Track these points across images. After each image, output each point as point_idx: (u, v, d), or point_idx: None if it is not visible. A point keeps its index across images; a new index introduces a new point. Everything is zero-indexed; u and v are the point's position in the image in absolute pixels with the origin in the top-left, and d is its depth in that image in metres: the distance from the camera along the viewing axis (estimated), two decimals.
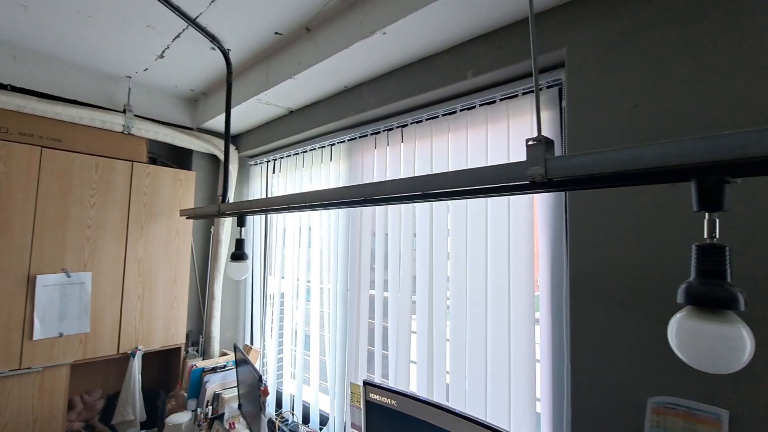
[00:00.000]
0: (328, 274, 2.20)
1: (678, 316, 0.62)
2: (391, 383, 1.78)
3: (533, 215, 1.40)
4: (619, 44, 1.14)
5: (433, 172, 1.51)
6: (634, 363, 1.05)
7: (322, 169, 2.29)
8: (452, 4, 1.28)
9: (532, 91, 1.41)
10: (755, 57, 0.94)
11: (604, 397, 1.10)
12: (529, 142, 0.80)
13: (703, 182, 0.61)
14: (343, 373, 2.03)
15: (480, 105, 1.57)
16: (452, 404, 1.47)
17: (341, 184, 2.13)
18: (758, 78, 0.93)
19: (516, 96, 1.46)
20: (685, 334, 0.60)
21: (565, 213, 1.27)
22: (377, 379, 1.85)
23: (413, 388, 1.71)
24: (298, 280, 2.46)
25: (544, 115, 1.39)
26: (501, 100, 1.50)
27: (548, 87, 1.38)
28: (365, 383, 1.45)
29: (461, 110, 1.62)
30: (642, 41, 1.10)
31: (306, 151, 2.41)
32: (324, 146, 2.27)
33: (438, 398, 1.59)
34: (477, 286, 1.52)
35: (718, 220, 0.61)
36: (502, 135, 1.49)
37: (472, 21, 1.38)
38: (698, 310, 0.60)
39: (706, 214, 0.62)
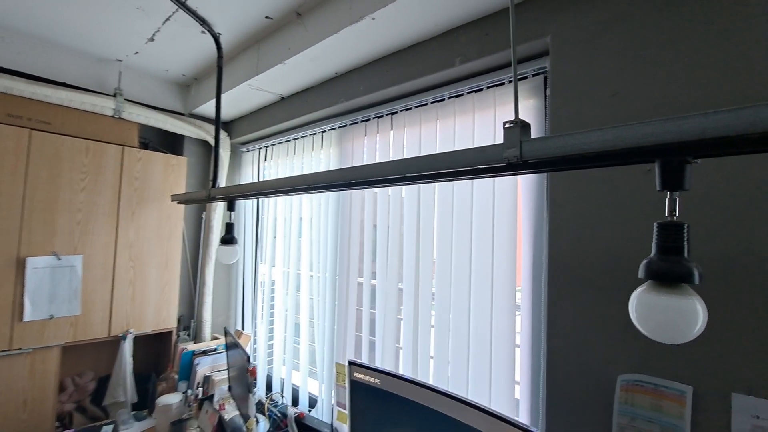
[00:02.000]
0: (317, 263, 2.23)
1: (638, 290, 0.65)
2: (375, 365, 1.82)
3: (517, 204, 1.43)
4: (602, 33, 1.16)
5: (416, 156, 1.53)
6: (606, 343, 1.09)
7: (313, 156, 2.30)
8: None
9: (519, 79, 1.43)
10: (734, 47, 0.96)
11: (577, 376, 1.14)
12: (506, 125, 0.82)
13: (666, 162, 0.64)
14: (331, 359, 2.06)
15: (468, 92, 1.58)
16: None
17: None
18: (736, 66, 0.95)
19: (503, 84, 1.48)
20: (643, 307, 0.63)
21: (546, 199, 1.30)
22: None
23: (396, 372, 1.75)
24: (288, 268, 2.48)
25: (529, 102, 1.41)
26: (488, 87, 1.52)
27: (534, 75, 1.40)
28: (350, 363, 1.49)
29: (449, 98, 1.64)
30: (624, 30, 1.12)
31: (297, 138, 2.42)
32: (315, 133, 2.28)
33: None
34: (461, 273, 1.55)
35: (678, 199, 0.64)
36: (489, 122, 1.51)
37: (460, 7, 1.39)
38: (656, 284, 0.63)
39: (668, 193, 0.64)
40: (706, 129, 0.58)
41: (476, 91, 1.56)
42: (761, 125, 0.53)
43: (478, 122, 1.54)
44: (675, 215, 0.64)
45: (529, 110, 1.40)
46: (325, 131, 2.22)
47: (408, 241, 1.75)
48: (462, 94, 1.60)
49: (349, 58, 1.81)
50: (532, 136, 0.82)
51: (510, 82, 1.46)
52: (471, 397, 1.46)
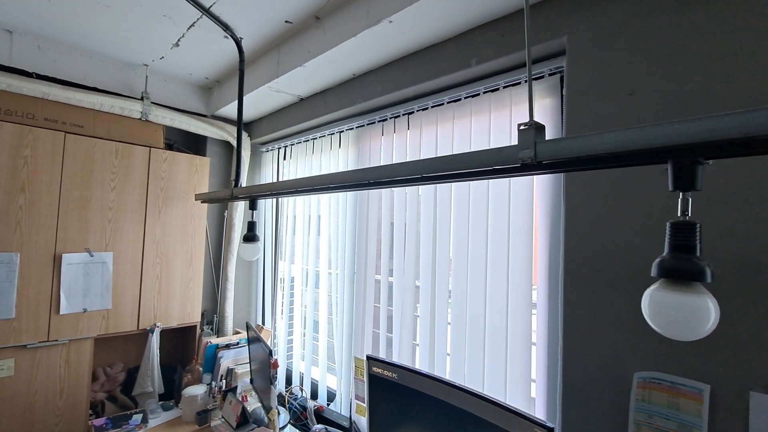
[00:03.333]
0: (335, 260, 2.28)
1: (651, 288, 0.67)
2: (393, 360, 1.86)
3: (534, 202, 1.44)
4: (618, 32, 1.16)
5: (433, 156, 1.55)
6: (622, 340, 1.10)
7: (331, 155, 2.35)
8: None
9: (535, 79, 1.44)
10: (751, 46, 0.96)
11: (594, 373, 1.15)
12: (521, 127, 0.84)
13: (678, 163, 0.65)
14: (349, 354, 2.11)
15: (484, 92, 1.60)
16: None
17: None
18: (753, 66, 0.95)
19: (519, 83, 1.49)
20: (655, 304, 0.65)
21: (563, 198, 1.30)
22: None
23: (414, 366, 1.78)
24: (307, 265, 2.54)
25: (546, 101, 1.42)
26: (504, 87, 1.53)
27: (550, 74, 1.40)
28: (368, 357, 1.53)
29: (466, 97, 1.66)
30: (640, 30, 1.12)
31: (315, 138, 2.47)
32: (333, 133, 2.33)
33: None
34: (478, 271, 1.57)
35: (690, 199, 0.65)
36: (505, 121, 1.52)
37: (476, 10, 1.41)
38: (669, 282, 0.64)
39: (680, 193, 0.66)
40: (717, 131, 0.59)
41: (492, 90, 1.57)
42: None
43: (494, 122, 1.55)
44: (687, 215, 0.65)
45: (546, 109, 1.41)
46: (342, 131, 2.26)
47: (425, 239, 1.78)
48: (478, 94, 1.62)
49: (367, 60, 1.84)
50: (548, 136, 0.84)
51: (526, 81, 1.47)
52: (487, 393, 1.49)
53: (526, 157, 0.82)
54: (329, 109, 2.21)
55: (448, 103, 1.72)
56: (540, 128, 0.83)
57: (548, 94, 1.41)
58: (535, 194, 1.44)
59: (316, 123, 2.39)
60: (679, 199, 0.66)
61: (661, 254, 0.67)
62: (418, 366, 1.76)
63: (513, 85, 1.51)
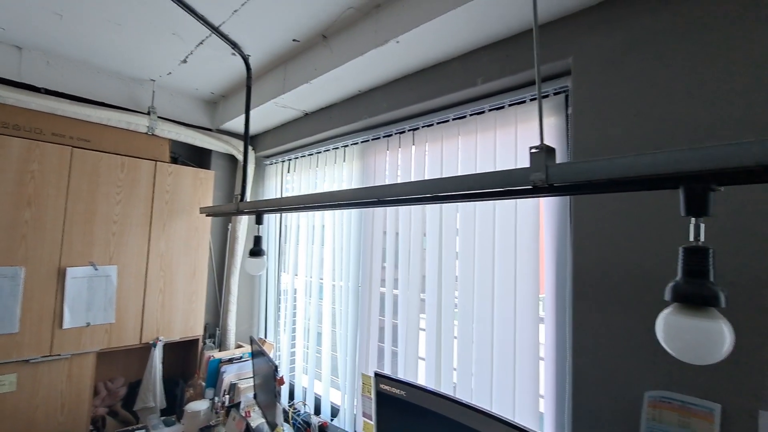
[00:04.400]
0: (340, 272, 2.28)
1: (665, 312, 0.68)
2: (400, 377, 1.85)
3: (539, 218, 1.46)
4: (623, 54, 1.19)
5: (442, 176, 1.57)
6: (632, 359, 1.10)
7: (335, 169, 2.37)
8: (463, 15, 1.34)
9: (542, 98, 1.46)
10: (756, 71, 0.98)
11: (603, 391, 1.15)
12: (532, 150, 0.86)
13: (690, 189, 0.67)
14: (353, 368, 2.10)
15: (489, 110, 1.62)
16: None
17: (354, 185, 2.21)
18: (759, 90, 0.97)
19: (524, 102, 1.52)
20: (670, 328, 0.66)
21: (570, 216, 1.32)
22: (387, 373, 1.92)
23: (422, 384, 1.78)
24: (311, 277, 2.54)
25: (551, 120, 1.44)
26: (509, 105, 1.56)
27: (555, 94, 1.43)
28: (376, 374, 1.52)
29: (471, 115, 1.68)
30: (644, 52, 1.15)
31: (320, 152, 2.49)
32: (338, 147, 2.35)
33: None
34: (484, 285, 1.58)
35: (703, 225, 0.67)
36: (510, 139, 1.54)
37: (482, 31, 1.44)
38: (683, 306, 0.65)
39: (693, 218, 0.67)
40: (730, 158, 0.61)
41: (497, 108, 1.60)
42: None
43: (499, 139, 1.58)
44: (699, 240, 0.66)
45: (551, 128, 1.44)
46: (347, 146, 2.28)
47: (430, 251, 1.79)
48: (483, 112, 1.64)
49: (373, 77, 1.87)
50: (556, 157, 0.86)
51: (532, 99, 1.49)
52: (495, 410, 1.48)
53: (537, 179, 0.83)
54: (334, 124, 2.23)
55: (453, 120, 1.75)
56: (551, 151, 0.85)
57: (552, 113, 1.44)
58: (541, 208, 1.46)
59: (321, 137, 2.42)
60: (692, 225, 0.67)
61: (675, 278, 0.68)
62: (425, 380, 1.75)
63: (518, 103, 1.54)
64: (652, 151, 0.68)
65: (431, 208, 1.81)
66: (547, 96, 1.45)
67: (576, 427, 1.20)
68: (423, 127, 1.87)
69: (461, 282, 1.67)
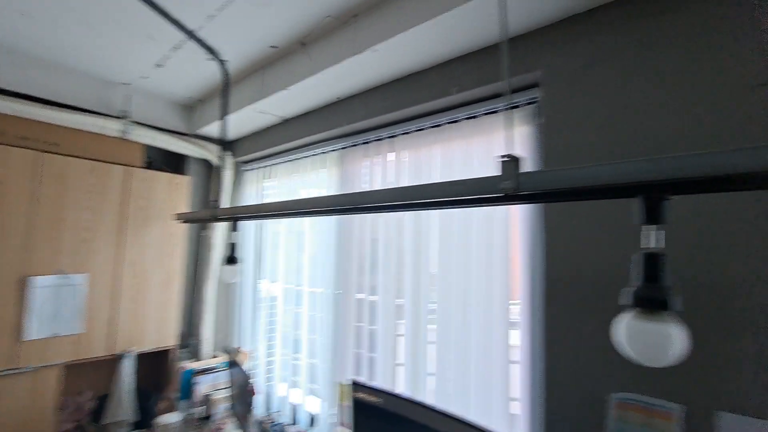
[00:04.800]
0: (318, 278, 2.27)
1: (622, 316, 0.71)
2: (378, 385, 1.85)
3: (513, 224, 1.49)
4: (588, 68, 1.24)
5: (418, 183, 1.59)
6: (601, 362, 1.14)
7: (314, 176, 2.36)
8: (436, 27, 1.37)
9: (510, 108, 1.51)
10: (714, 85, 1.04)
11: (574, 393, 1.18)
12: (502, 159, 0.88)
13: (646, 198, 0.70)
14: (332, 375, 2.09)
15: (465, 119, 1.66)
16: (436, 404, 1.55)
17: (333, 191, 2.21)
18: (717, 102, 1.03)
19: (497, 112, 1.56)
20: (626, 332, 0.69)
21: (543, 223, 1.36)
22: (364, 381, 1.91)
23: (400, 390, 1.78)
24: (289, 284, 2.52)
25: (522, 129, 1.49)
26: (484, 115, 1.60)
27: (526, 104, 1.47)
28: (353, 383, 1.52)
29: (447, 123, 1.72)
30: (611, 66, 1.20)
31: (299, 159, 2.49)
32: (316, 154, 2.35)
33: (423, 399, 1.67)
34: (459, 290, 1.60)
35: (657, 232, 0.70)
36: (484, 147, 1.58)
37: (457, 42, 1.48)
38: (639, 311, 0.68)
39: (647, 226, 0.70)
40: (681, 169, 0.64)
41: (471, 117, 1.64)
42: (731, 168, 0.60)
43: (474, 147, 1.61)
44: (655, 246, 0.70)
45: (523, 137, 1.48)
46: (326, 152, 2.29)
47: (407, 257, 1.80)
48: (458, 120, 1.68)
49: (351, 85, 1.89)
50: (525, 164, 0.89)
51: (506, 109, 1.53)
52: (473, 413, 1.50)
53: (507, 188, 0.86)
54: (313, 130, 2.23)
55: (430, 128, 1.78)
56: (519, 160, 0.88)
57: (525, 122, 1.48)
58: (515, 215, 1.49)
59: (299, 143, 2.41)
60: (647, 232, 0.70)
61: (630, 284, 0.71)
62: (402, 386, 1.76)
63: (492, 113, 1.57)
64: (615, 161, 0.71)
65: (409, 215, 1.82)
66: (517, 106, 1.49)
67: (549, 429, 1.22)
68: (400, 134, 1.90)
69: (438, 287, 1.68)
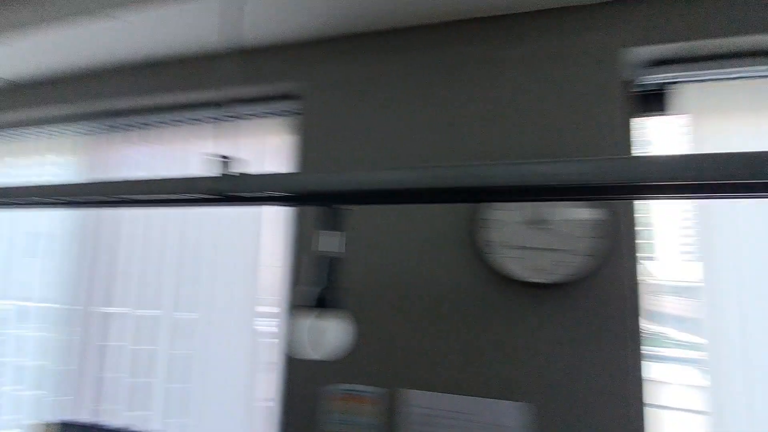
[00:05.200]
0: (50, 291, 1.79)
1: (299, 315, 0.75)
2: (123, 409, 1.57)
3: (262, 228, 1.48)
4: (345, 86, 1.36)
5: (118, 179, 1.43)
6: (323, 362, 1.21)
7: (47, 160, 1.87)
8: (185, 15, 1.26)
9: (269, 115, 1.52)
10: (441, 111, 1.25)
11: (307, 391, 1.23)
12: (216, 159, 0.84)
13: (326, 207, 0.76)
14: (51, 410, 1.66)
15: (227, 118, 1.58)
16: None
17: (65, 181, 1.78)
18: (439, 126, 1.24)
19: (261, 116, 1.54)
20: (298, 329, 0.73)
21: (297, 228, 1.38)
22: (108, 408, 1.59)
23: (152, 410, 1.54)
24: (9, 300, 1.91)
25: (283, 137, 1.49)
26: (247, 117, 1.55)
27: (285, 114, 1.50)
28: (63, 423, 1.22)
29: (188, 121, 1.64)
30: (358, 87, 1.34)
31: (31, 137, 1.92)
32: (54, 134, 1.87)
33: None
34: (204, 297, 1.52)
35: (333, 238, 0.77)
36: (250, 149, 1.53)
37: (213, 35, 1.39)
38: (311, 309, 0.73)
39: (322, 231, 0.77)
40: (349, 182, 0.72)
41: (236, 118, 1.57)
42: (405, 183, 0.69)
43: (241, 147, 1.54)
44: (330, 251, 0.76)
45: (284, 143, 1.48)
46: (67, 134, 1.84)
47: (154, 262, 1.60)
48: (207, 121, 1.60)
49: (94, 54, 1.57)
50: (280, 170, 0.87)
51: (268, 115, 1.52)
52: (226, 418, 1.41)
53: (213, 189, 0.82)
54: (46, 102, 1.77)
55: (188, 121, 1.64)
56: (234, 162, 0.85)
57: (284, 130, 1.49)
58: (270, 220, 1.48)
59: (26, 118, 1.88)
60: (320, 237, 0.76)
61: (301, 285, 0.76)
62: (156, 405, 1.52)
63: (256, 116, 1.54)
64: (311, 173, 0.75)
65: (156, 218, 1.62)
66: (276, 115, 1.51)
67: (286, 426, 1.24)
68: (157, 123, 1.68)
69: (185, 296, 1.55)
